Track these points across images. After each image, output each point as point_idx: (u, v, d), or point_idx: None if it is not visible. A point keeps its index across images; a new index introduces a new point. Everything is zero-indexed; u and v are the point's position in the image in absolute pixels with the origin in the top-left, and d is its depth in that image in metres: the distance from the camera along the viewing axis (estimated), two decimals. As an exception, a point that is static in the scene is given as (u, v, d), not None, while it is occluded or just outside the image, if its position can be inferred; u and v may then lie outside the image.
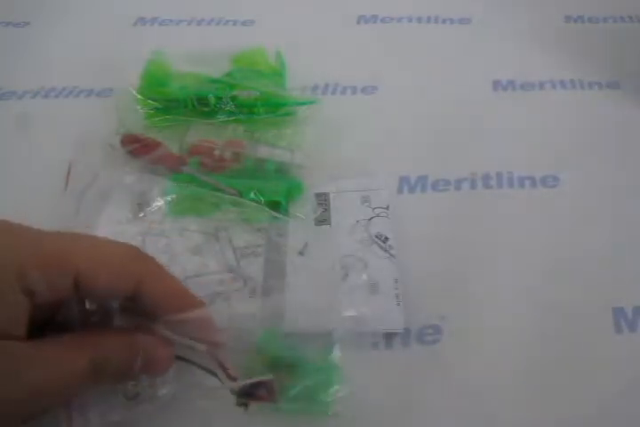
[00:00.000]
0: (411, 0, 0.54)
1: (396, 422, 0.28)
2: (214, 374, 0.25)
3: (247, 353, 0.27)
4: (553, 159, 0.40)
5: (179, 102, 0.39)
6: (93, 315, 0.24)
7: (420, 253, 0.34)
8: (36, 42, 0.49)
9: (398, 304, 0.31)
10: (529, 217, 0.36)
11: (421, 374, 0.29)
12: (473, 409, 0.28)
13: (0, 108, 0.43)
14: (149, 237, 0.33)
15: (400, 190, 0.38)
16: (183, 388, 0.26)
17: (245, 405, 0.26)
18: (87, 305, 0.24)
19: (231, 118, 0.39)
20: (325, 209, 0.35)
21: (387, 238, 0.34)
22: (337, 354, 0.28)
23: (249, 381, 0.25)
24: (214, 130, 0.38)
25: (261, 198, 0.34)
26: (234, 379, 0.25)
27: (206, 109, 0.39)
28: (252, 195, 0.34)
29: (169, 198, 0.34)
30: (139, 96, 0.39)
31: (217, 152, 0.36)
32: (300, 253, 0.33)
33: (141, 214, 0.34)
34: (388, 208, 0.35)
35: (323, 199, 0.36)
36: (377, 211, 0.35)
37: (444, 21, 0.52)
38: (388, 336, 0.30)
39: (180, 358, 0.25)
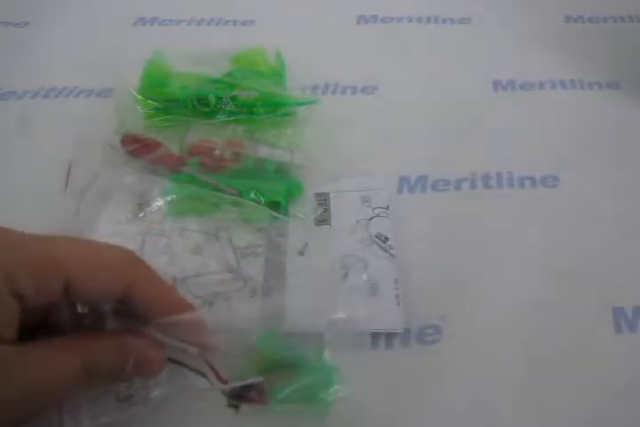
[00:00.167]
0: (411, 0, 0.54)
1: (396, 422, 0.28)
2: (205, 377, 0.25)
3: (246, 353, 0.27)
4: (553, 159, 0.40)
5: (179, 102, 0.39)
6: (85, 318, 0.24)
7: (420, 253, 0.34)
8: (36, 42, 0.49)
9: (398, 304, 0.31)
10: (529, 217, 0.36)
11: (421, 374, 0.29)
12: (473, 409, 0.28)
13: (0, 108, 0.43)
14: (149, 237, 0.33)
15: (400, 190, 0.38)
16: (175, 389, 0.26)
17: (236, 406, 0.26)
18: (79, 308, 0.24)
19: (231, 118, 0.39)
20: (325, 209, 0.35)
21: (387, 238, 0.34)
22: (337, 354, 0.28)
23: (239, 383, 0.25)
24: (214, 130, 0.38)
25: (261, 198, 0.34)
26: (225, 381, 0.25)
27: (206, 109, 0.39)
28: (252, 195, 0.34)
29: (169, 198, 0.34)
30: (139, 96, 0.39)
31: (217, 152, 0.36)
32: (300, 253, 0.33)
33: (141, 214, 0.34)
34: (387, 208, 0.35)
35: (323, 199, 0.36)
36: (377, 211, 0.35)
37: (444, 21, 0.52)
38: (388, 336, 0.30)
39: (171, 360, 0.25)
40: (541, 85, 0.46)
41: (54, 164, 0.36)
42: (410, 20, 0.52)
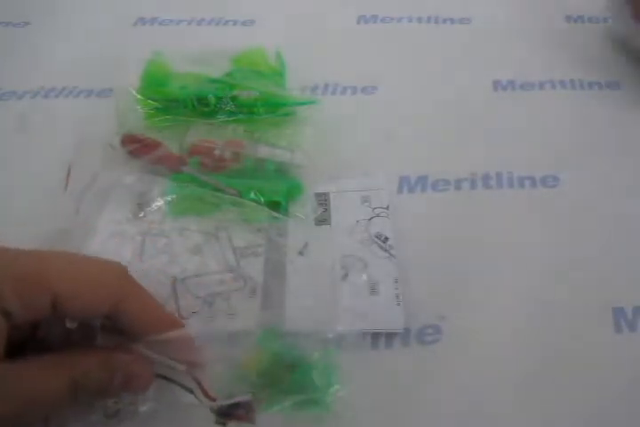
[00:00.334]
0: (411, 0, 0.54)
1: (396, 422, 0.28)
2: (193, 393, 0.25)
3: (246, 353, 0.28)
4: (553, 159, 0.40)
5: (179, 102, 0.39)
6: (74, 333, 0.24)
7: (420, 253, 0.34)
8: (36, 42, 0.49)
9: (398, 304, 0.31)
10: (529, 217, 0.36)
11: (421, 374, 0.29)
12: (473, 409, 0.28)
13: (0, 108, 0.43)
14: (149, 236, 0.33)
15: (400, 190, 0.38)
16: (164, 405, 0.26)
17: (224, 424, 0.25)
18: (67, 324, 0.23)
19: (231, 118, 0.39)
20: (325, 209, 0.35)
21: (387, 238, 0.34)
22: (337, 354, 0.28)
23: (227, 401, 0.25)
24: (214, 130, 0.38)
25: (261, 198, 0.34)
26: (212, 399, 0.25)
27: (206, 109, 0.39)
28: (251, 195, 0.34)
29: (169, 198, 0.34)
30: (139, 96, 0.39)
31: (217, 152, 0.36)
32: (300, 253, 0.33)
33: (141, 214, 0.34)
34: (387, 208, 0.35)
35: (323, 199, 0.36)
36: (377, 211, 0.35)
37: (444, 21, 0.52)
38: (388, 336, 0.30)
39: (160, 376, 0.25)
40: (541, 85, 0.46)
41: (54, 164, 0.36)
42: (410, 20, 0.52)
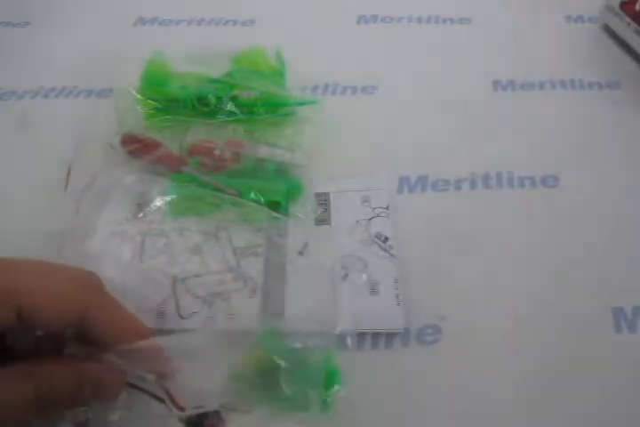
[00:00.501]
0: (411, 0, 0.54)
1: (396, 422, 0.28)
2: (164, 403, 0.25)
3: (246, 353, 0.28)
4: (553, 159, 0.40)
5: (179, 102, 0.39)
6: (43, 342, 0.24)
7: (421, 252, 0.34)
8: (36, 42, 0.49)
9: (398, 304, 0.31)
10: (529, 217, 0.36)
11: (421, 374, 0.29)
12: (473, 409, 0.28)
13: (0, 108, 0.43)
14: (149, 237, 0.33)
15: (400, 190, 0.38)
16: (135, 415, 0.26)
17: None
18: (37, 331, 0.23)
19: (231, 118, 0.39)
20: (325, 209, 0.35)
21: (387, 238, 0.34)
22: (337, 354, 0.28)
23: (196, 411, 0.25)
24: (214, 130, 0.38)
25: (261, 198, 0.34)
26: (182, 408, 0.25)
27: (206, 109, 0.39)
28: (251, 195, 0.34)
29: (169, 198, 0.34)
30: (139, 96, 0.39)
31: (217, 152, 0.36)
32: (300, 253, 0.33)
33: (141, 214, 0.34)
34: (387, 208, 0.35)
35: (323, 199, 0.36)
36: (377, 211, 0.35)
37: (444, 21, 0.52)
38: (388, 336, 0.30)
39: (131, 385, 0.25)
40: (541, 85, 0.46)
41: (54, 164, 0.36)
42: (410, 20, 0.52)
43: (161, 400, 0.25)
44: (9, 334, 0.23)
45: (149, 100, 0.39)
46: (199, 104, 0.39)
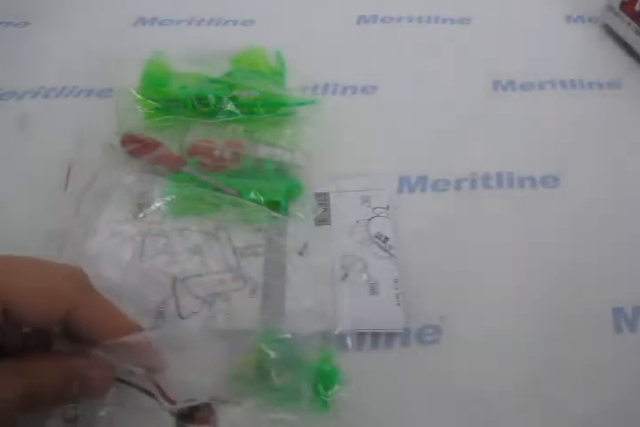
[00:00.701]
0: (411, 0, 0.54)
1: (396, 422, 0.28)
2: (154, 397, 0.25)
3: (246, 353, 0.28)
4: (553, 159, 0.40)
5: (179, 102, 0.39)
6: (30, 338, 0.24)
7: (421, 253, 0.34)
8: (36, 42, 0.49)
9: (398, 304, 0.31)
10: (529, 217, 0.36)
11: (421, 374, 0.29)
12: (473, 409, 0.28)
13: (0, 108, 0.43)
14: (149, 237, 0.33)
15: (400, 190, 0.38)
16: (124, 410, 0.25)
17: None
18: (24, 328, 0.23)
19: (231, 118, 0.39)
20: (325, 209, 0.35)
21: (387, 238, 0.34)
22: (336, 354, 0.28)
23: (186, 404, 0.25)
24: (214, 130, 0.38)
25: (261, 198, 0.34)
26: (172, 402, 0.25)
27: (206, 109, 0.39)
28: (251, 195, 0.34)
29: (169, 198, 0.34)
30: (139, 96, 0.39)
31: (217, 152, 0.36)
32: (300, 253, 0.33)
33: (141, 214, 0.34)
34: (387, 208, 0.35)
35: (323, 199, 0.36)
36: (377, 211, 0.35)
37: (444, 21, 0.52)
38: (388, 336, 0.30)
39: (120, 380, 0.25)
40: (541, 85, 0.46)
41: (54, 164, 0.36)
42: (410, 20, 0.52)
43: (151, 394, 0.25)
44: None
45: (149, 100, 0.39)
46: (199, 104, 0.39)
